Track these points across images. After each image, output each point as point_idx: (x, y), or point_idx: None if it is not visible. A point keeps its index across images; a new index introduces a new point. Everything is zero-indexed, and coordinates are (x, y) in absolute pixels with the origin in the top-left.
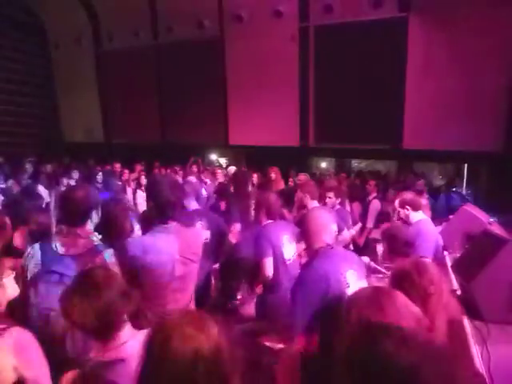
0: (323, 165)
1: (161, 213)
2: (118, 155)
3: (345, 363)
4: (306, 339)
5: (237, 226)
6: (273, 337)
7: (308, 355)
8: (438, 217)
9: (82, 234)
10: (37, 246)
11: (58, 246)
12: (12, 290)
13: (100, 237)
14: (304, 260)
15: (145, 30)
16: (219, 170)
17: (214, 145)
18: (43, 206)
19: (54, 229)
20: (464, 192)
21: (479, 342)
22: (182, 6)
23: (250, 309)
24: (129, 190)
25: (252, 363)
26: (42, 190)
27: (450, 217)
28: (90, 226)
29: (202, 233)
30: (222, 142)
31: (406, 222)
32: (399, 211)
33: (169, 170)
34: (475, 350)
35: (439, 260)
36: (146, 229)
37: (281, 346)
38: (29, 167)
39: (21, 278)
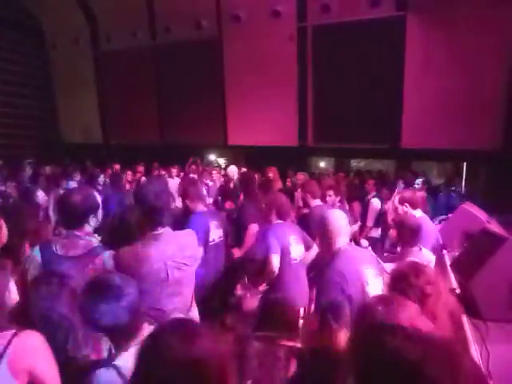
0: (322, 164)
1: (149, 220)
2: (116, 156)
3: (350, 358)
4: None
5: (254, 227)
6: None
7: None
8: (436, 215)
9: (82, 236)
10: (37, 248)
11: (57, 248)
12: (13, 295)
13: (99, 238)
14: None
15: (143, 30)
16: (214, 171)
17: (213, 145)
18: (41, 213)
19: (51, 232)
20: (463, 191)
21: (478, 340)
22: (179, 6)
23: (252, 305)
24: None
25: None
26: (40, 194)
27: (449, 215)
28: (89, 227)
29: (193, 234)
30: (220, 143)
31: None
32: (398, 207)
33: (163, 171)
34: (474, 348)
35: (438, 258)
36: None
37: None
38: (28, 169)
39: (20, 282)
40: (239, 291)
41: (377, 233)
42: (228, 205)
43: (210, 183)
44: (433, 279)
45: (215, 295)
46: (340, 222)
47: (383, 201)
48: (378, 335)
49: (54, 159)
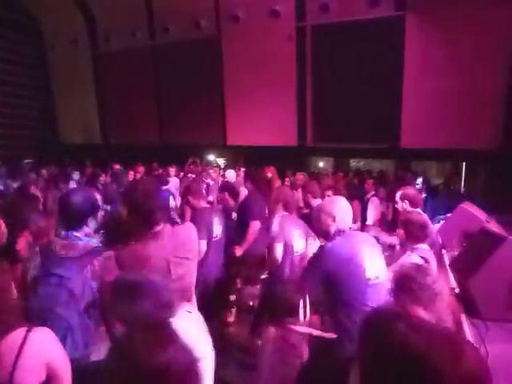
0: (321, 164)
1: (145, 220)
2: (116, 156)
3: (359, 346)
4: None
5: (256, 224)
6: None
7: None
8: (436, 215)
9: (80, 237)
10: (37, 248)
11: (57, 249)
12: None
13: (100, 239)
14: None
15: (142, 30)
16: (211, 171)
17: (212, 145)
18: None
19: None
20: (462, 190)
21: (477, 339)
22: (178, 6)
23: (252, 300)
24: None
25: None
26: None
27: (448, 215)
28: (88, 229)
29: (192, 228)
30: (220, 143)
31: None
32: (397, 202)
33: (161, 171)
34: None
35: (437, 258)
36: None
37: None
38: (44, 172)
39: (21, 282)
40: (240, 287)
41: (376, 232)
42: (229, 201)
43: (211, 182)
44: (438, 277)
45: (216, 291)
46: (342, 205)
47: (382, 200)
48: (387, 323)
49: (53, 159)
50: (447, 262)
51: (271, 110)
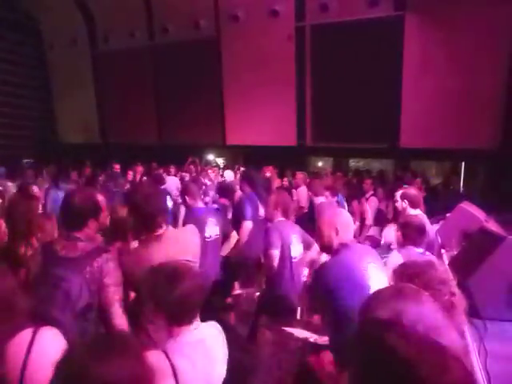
0: (320, 164)
1: (148, 224)
2: (115, 156)
3: (350, 352)
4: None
5: (247, 224)
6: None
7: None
8: (435, 215)
9: (82, 238)
10: (39, 247)
11: (59, 249)
12: None
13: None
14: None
15: (141, 30)
16: (210, 171)
17: (212, 145)
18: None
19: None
20: (461, 190)
21: (476, 339)
22: (177, 6)
23: (249, 304)
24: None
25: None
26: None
27: (447, 215)
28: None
29: (195, 229)
30: (219, 142)
31: (402, 214)
32: (397, 201)
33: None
34: (472, 347)
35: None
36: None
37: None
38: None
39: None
40: (237, 290)
41: (376, 231)
42: (223, 201)
43: (208, 182)
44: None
45: (213, 293)
46: (344, 217)
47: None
48: (378, 331)
49: (53, 159)
50: (446, 262)
51: (271, 109)
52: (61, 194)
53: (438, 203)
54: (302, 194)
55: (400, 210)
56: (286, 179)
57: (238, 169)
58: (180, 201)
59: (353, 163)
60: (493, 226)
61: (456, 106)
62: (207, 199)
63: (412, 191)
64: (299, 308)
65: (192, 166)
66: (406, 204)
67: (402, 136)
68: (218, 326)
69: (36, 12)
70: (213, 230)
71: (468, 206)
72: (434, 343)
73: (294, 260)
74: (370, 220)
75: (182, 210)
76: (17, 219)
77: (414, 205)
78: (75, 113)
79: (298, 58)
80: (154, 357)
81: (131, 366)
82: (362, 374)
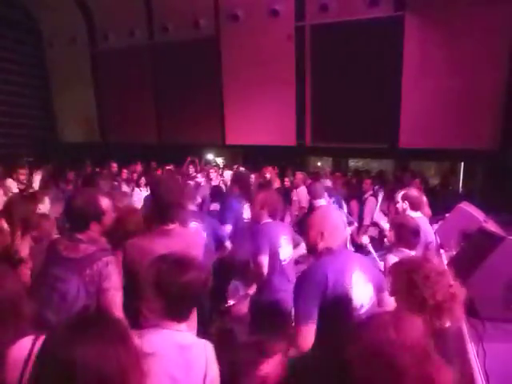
0: (319, 164)
1: (162, 215)
2: (114, 155)
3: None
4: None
5: (227, 227)
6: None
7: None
8: (434, 215)
9: (84, 239)
10: (44, 245)
11: (62, 249)
12: None
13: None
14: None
15: (140, 29)
16: (212, 170)
17: (211, 144)
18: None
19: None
20: (460, 190)
21: (475, 339)
22: (177, 4)
23: (243, 309)
24: (127, 190)
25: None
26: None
27: (447, 215)
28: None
29: (201, 232)
30: (218, 142)
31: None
32: (398, 202)
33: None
34: (471, 347)
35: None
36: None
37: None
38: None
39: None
40: (229, 299)
41: (374, 232)
42: (213, 206)
43: (203, 183)
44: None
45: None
46: (333, 222)
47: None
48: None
49: (52, 158)
50: (445, 262)
51: (270, 109)
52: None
53: (437, 203)
54: (301, 194)
55: (400, 211)
56: (287, 179)
57: (238, 169)
58: None
59: (352, 163)
60: (492, 226)
61: (456, 106)
62: (199, 200)
63: (414, 192)
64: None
65: (191, 166)
66: (406, 205)
67: (402, 136)
68: (209, 344)
69: (35, 10)
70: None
71: (467, 207)
72: (418, 341)
73: (283, 263)
74: (367, 220)
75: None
76: (15, 218)
77: (414, 206)
78: (74, 112)
79: (297, 58)
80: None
81: (115, 351)
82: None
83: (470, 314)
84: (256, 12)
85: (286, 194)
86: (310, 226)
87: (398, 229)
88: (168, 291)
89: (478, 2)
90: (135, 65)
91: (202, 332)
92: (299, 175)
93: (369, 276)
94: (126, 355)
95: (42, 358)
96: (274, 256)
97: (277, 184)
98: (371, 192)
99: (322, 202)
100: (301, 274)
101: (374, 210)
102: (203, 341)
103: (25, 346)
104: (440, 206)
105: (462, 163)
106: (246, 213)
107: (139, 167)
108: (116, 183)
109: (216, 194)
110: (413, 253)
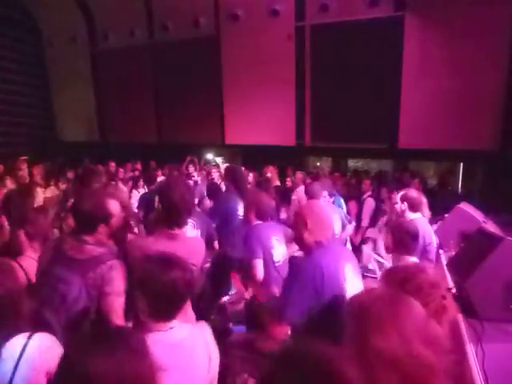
0: (318, 164)
1: (170, 219)
2: (114, 154)
3: None
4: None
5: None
6: (263, 345)
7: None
8: (433, 215)
9: (90, 241)
10: (52, 243)
11: (67, 248)
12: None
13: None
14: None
15: (140, 28)
16: (214, 170)
17: (211, 144)
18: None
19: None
20: (459, 191)
21: (474, 340)
22: (177, 4)
23: (238, 307)
24: (124, 189)
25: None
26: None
27: (446, 215)
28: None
29: (203, 243)
30: (218, 142)
31: (400, 216)
32: (396, 203)
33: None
34: (470, 348)
35: (428, 257)
36: (150, 231)
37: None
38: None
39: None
40: (225, 297)
41: (373, 233)
42: (209, 204)
43: (199, 181)
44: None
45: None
46: (319, 214)
47: (382, 201)
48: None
49: (51, 157)
50: (444, 263)
51: (270, 109)
52: None
53: (436, 204)
54: (301, 193)
55: (399, 213)
56: (288, 179)
57: None
58: None
59: (351, 163)
60: (491, 226)
61: (455, 106)
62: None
63: (413, 193)
64: None
65: (191, 165)
66: (405, 206)
67: (401, 136)
68: (206, 326)
69: (35, 10)
70: (191, 233)
71: (466, 207)
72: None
73: (277, 264)
74: (366, 221)
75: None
76: (12, 213)
77: (413, 208)
78: (74, 111)
79: (297, 58)
80: None
81: (132, 362)
82: None
83: (469, 314)
84: (256, 12)
85: (286, 194)
86: (295, 216)
87: (395, 234)
88: (150, 289)
89: (477, 2)
90: (135, 64)
91: None
92: (299, 175)
93: (357, 269)
94: (142, 367)
95: (62, 370)
96: (267, 258)
97: (277, 183)
98: (370, 193)
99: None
100: (293, 269)
101: (373, 211)
102: (198, 326)
103: (18, 343)
104: (439, 207)
105: (462, 164)
106: (241, 209)
107: (139, 166)
108: (113, 182)
109: (212, 191)
110: (413, 258)
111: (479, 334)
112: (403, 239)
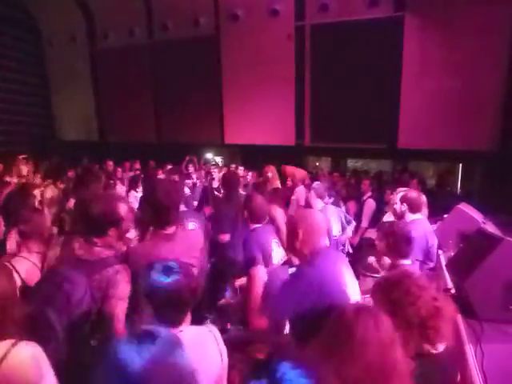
0: (317, 164)
1: (157, 218)
2: (113, 154)
3: None
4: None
5: (226, 237)
6: (258, 346)
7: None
8: (432, 216)
9: (99, 244)
10: (61, 240)
11: (76, 247)
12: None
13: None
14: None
15: (140, 28)
16: (215, 170)
17: (210, 144)
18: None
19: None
20: (458, 191)
21: (473, 340)
22: (177, 3)
23: (238, 310)
24: (122, 189)
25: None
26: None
27: (445, 216)
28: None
29: (201, 235)
30: (217, 141)
31: (400, 218)
32: (396, 203)
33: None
34: (469, 348)
35: (431, 259)
36: (142, 232)
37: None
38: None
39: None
40: (225, 299)
41: (372, 233)
42: (208, 210)
43: (198, 183)
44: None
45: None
46: (311, 222)
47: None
48: None
49: (50, 156)
50: (443, 263)
51: (269, 109)
52: None
53: (435, 204)
54: (300, 193)
55: (398, 213)
56: (289, 179)
57: (236, 168)
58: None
59: (351, 163)
60: (490, 227)
61: (455, 106)
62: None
63: (413, 194)
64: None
65: (190, 165)
66: (405, 207)
67: (401, 136)
68: (213, 328)
69: (35, 9)
70: None
71: (465, 208)
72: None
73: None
74: (366, 222)
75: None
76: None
77: (413, 209)
78: (73, 110)
79: (297, 58)
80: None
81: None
82: None
83: (468, 314)
84: (256, 11)
85: (286, 194)
86: (287, 225)
87: (388, 238)
88: (155, 296)
89: (477, 1)
90: (134, 63)
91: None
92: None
93: (351, 272)
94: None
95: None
96: (267, 261)
97: (276, 184)
98: (370, 194)
99: (319, 202)
100: (293, 277)
101: (373, 212)
102: (206, 326)
103: (1, 350)
104: (438, 207)
105: (461, 164)
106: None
107: (138, 165)
108: (111, 181)
109: (208, 197)
110: (407, 261)
111: (478, 334)
112: (397, 243)
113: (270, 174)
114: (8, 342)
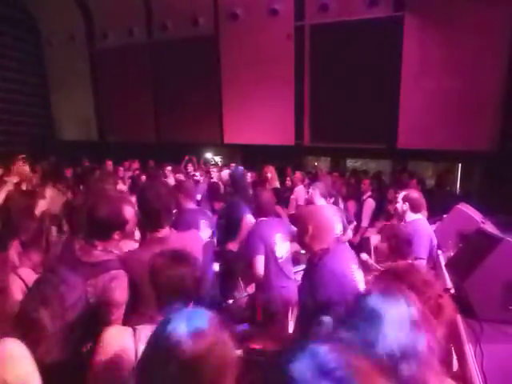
0: (317, 164)
1: (148, 221)
2: (113, 154)
3: None
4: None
5: (249, 217)
6: (264, 341)
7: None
8: (431, 216)
9: (100, 247)
10: (64, 240)
11: (76, 248)
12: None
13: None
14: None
15: (139, 27)
16: (214, 169)
17: (210, 143)
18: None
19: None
20: (458, 191)
21: (473, 340)
22: (176, 3)
23: (243, 308)
24: (123, 188)
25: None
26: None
27: (444, 216)
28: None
29: (199, 235)
30: (217, 141)
31: (401, 217)
32: (398, 202)
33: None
34: (469, 348)
35: (433, 259)
36: (143, 235)
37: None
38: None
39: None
40: (235, 295)
41: (372, 233)
42: (217, 205)
43: (201, 180)
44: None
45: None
46: (320, 219)
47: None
48: None
49: (50, 156)
50: (443, 263)
51: (269, 108)
52: None
53: (434, 204)
54: (299, 192)
55: (400, 212)
56: (288, 178)
57: (236, 167)
58: None
59: (350, 163)
60: (489, 227)
61: (455, 106)
62: (199, 197)
63: (415, 194)
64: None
65: (190, 165)
66: (406, 207)
67: (400, 136)
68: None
69: (35, 9)
70: (205, 232)
71: (465, 208)
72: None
73: (280, 260)
74: (365, 221)
75: None
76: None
77: (414, 208)
78: (73, 110)
79: (296, 58)
80: (122, 333)
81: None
82: None
83: (468, 314)
84: (255, 11)
85: (285, 194)
86: (297, 221)
87: (390, 240)
88: (160, 282)
89: (477, 1)
90: (134, 63)
91: None
92: (297, 174)
93: (359, 266)
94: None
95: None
96: (269, 255)
97: (275, 184)
98: (370, 193)
99: (323, 202)
100: (310, 276)
101: (373, 211)
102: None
103: None
104: (437, 207)
105: (460, 164)
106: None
107: (136, 165)
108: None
109: (214, 191)
110: (408, 261)
111: (478, 334)
112: (398, 245)
113: (269, 175)
114: None
